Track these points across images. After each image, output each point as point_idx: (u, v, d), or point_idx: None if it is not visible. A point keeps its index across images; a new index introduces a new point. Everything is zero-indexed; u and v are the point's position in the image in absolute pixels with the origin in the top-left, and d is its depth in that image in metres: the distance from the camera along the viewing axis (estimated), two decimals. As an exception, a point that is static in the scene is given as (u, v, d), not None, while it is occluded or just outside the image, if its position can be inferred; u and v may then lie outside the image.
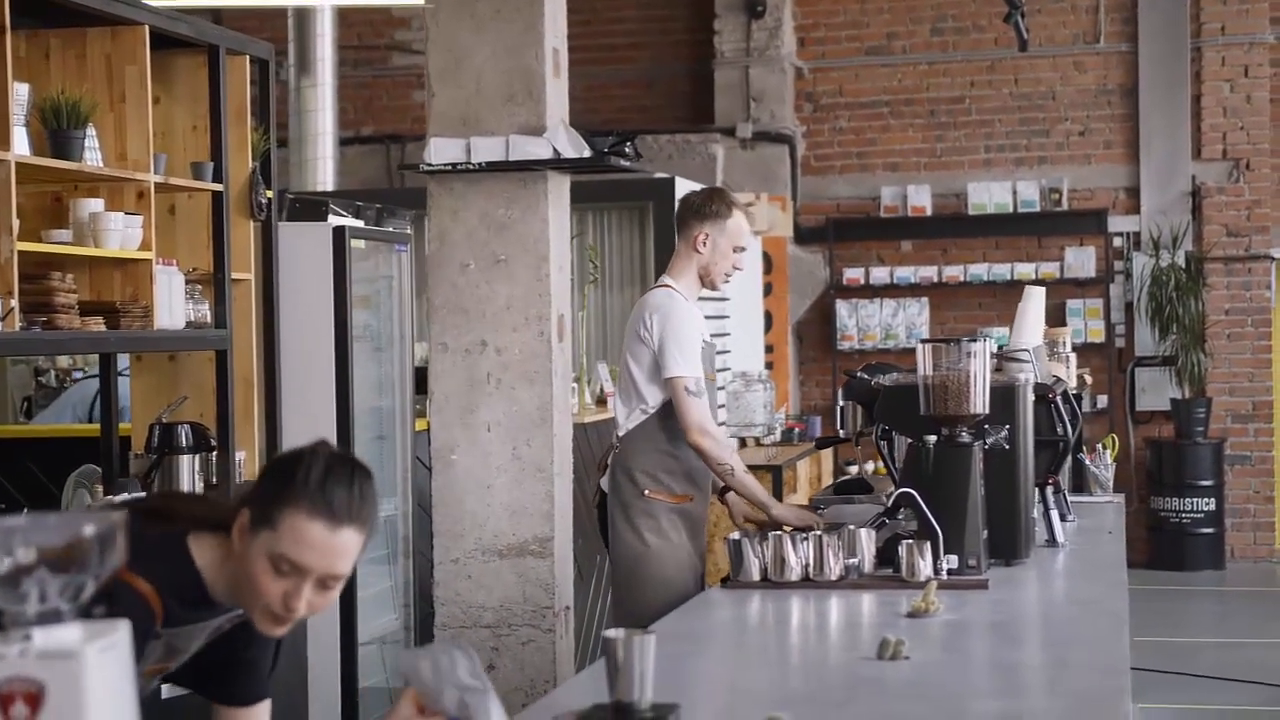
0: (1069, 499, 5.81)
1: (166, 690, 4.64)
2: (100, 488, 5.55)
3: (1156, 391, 12.91)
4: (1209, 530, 12.61)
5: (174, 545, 2.73)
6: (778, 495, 9.14)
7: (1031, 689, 3.27)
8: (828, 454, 11.60)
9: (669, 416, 5.33)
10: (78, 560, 1.78)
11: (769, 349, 12.65)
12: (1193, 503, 12.56)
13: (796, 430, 11.07)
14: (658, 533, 5.34)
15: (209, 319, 5.75)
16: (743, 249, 5.50)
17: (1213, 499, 12.59)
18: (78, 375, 9.34)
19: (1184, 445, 12.62)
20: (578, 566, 6.80)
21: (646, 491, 5.36)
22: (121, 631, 1.80)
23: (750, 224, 5.61)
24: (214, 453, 5.74)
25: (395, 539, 7.15)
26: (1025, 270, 12.91)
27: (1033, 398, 4.84)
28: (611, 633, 2.76)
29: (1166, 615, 10.98)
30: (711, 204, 5.48)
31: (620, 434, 5.45)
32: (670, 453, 5.35)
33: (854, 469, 12.37)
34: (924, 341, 4.55)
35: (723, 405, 10.21)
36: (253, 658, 2.96)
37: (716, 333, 10.55)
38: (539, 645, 5.80)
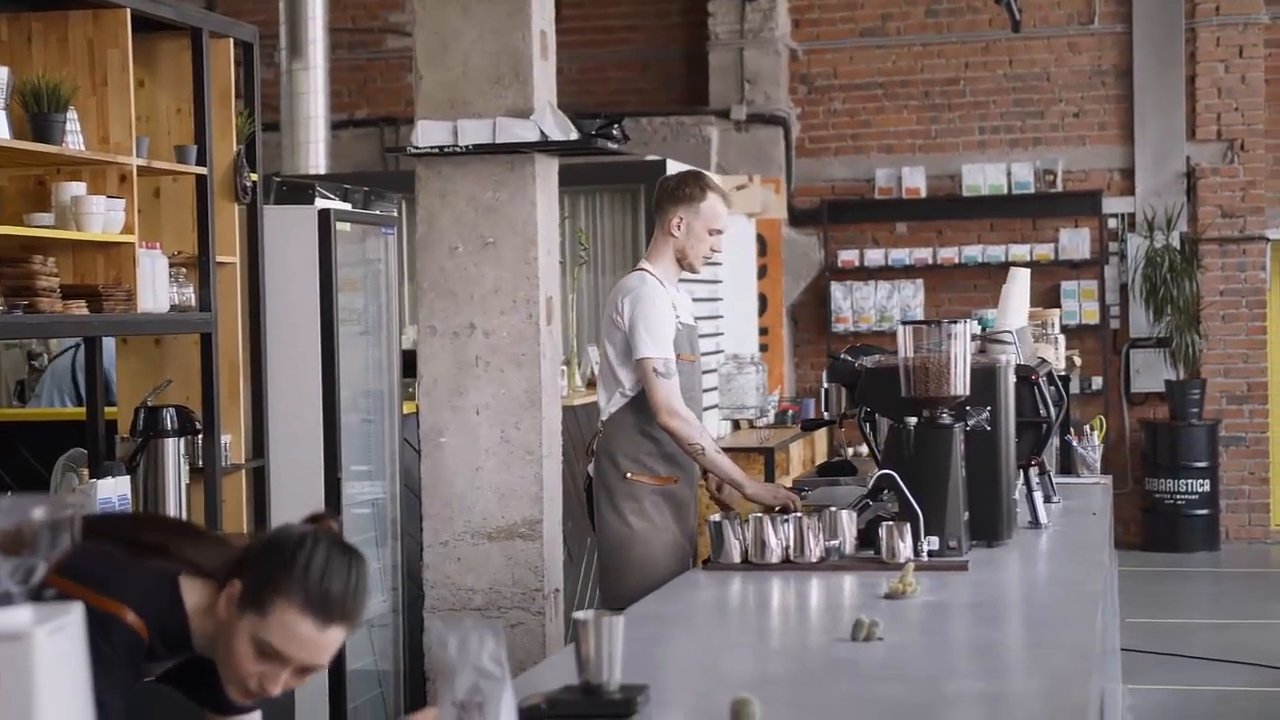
0: (1055, 481, 5.82)
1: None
2: (85, 470, 5.55)
3: (1151, 373, 12.90)
4: (1203, 512, 12.62)
5: (166, 584, 2.72)
6: (769, 478, 9.15)
7: (1002, 669, 3.27)
8: (821, 436, 11.61)
9: (647, 399, 5.35)
10: (28, 544, 1.78)
11: (764, 331, 12.65)
12: (1187, 484, 12.57)
13: (790, 413, 11.08)
14: (641, 515, 5.37)
15: (193, 302, 5.75)
16: (719, 231, 5.52)
17: (1207, 480, 12.59)
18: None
19: (1179, 427, 12.62)
20: (567, 549, 6.81)
21: (629, 474, 5.39)
22: (73, 614, 1.81)
23: (728, 206, 5.60)
24: (199, 436, 5.74)
25: (384, 522, 7.16)
26: (1020, 252, 12.90)
27: (1014, 379, 4.83)
28: (580, 615, 2.77)
29: (1160, 597, 11.00)
30: (685, 187, 5.51)
31: (603, 418, 5.49)
32: (651, 435, 5.37)
33: (849, 451, 12.38)
34: (905, 323, 4.56)
35: (714, 388, 10.23)
36: None
37: (710, 315, 10.57)
38: (528, 628, 5.80)
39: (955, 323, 4.51)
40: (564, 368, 7.68)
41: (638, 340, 5.31)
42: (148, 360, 5.95)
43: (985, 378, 4.64)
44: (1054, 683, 3.07)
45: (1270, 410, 13.05)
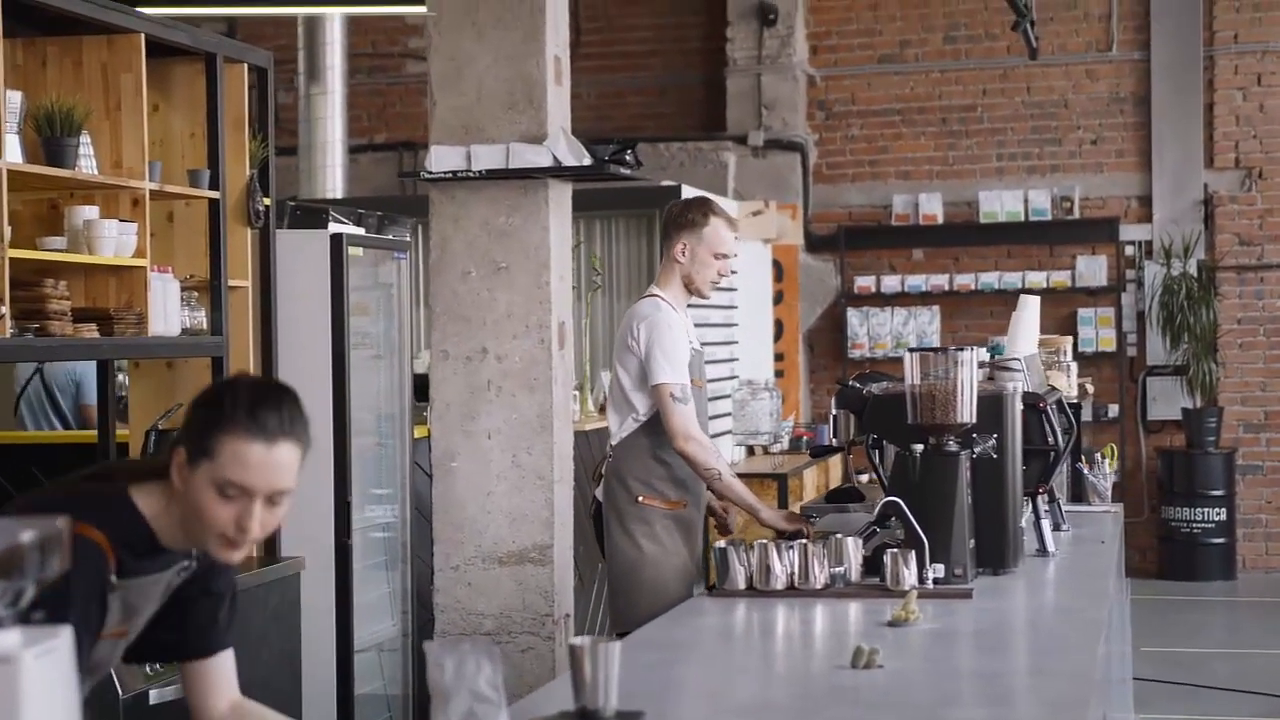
0: (1066, 509, 5.80)
1: (155, 696, 4.69)
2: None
3: (1168, 401, 12.87)
4: (1220, 540, 12.57)
5: (119, 498, 2.80)
6: (782, 504, 9.15)
7: (1001, 697, 3.27)
8: (836, 462, 11.59)
9: (660, 424, 5.38)
10: (17, 566, 1.79)
11: (780, 357, 12.65)
12: (1204, 512, 12.52)
13: (805, 439, 11.07)
14: (652, 539, 5.39)
15: (205, 326, 5.78)
16: (724, 256, 5.56)
17: (1224, 509, 12.55)
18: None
19: (1195, 455, 12.58)
20: (578, 574, 6.81)
21: (640, 499, 5.42)
22: (61, 637, 1.82)
23: (734, 230, 5.63)
24: (210, 459, 5.75)
25: (395, 545, 7.17)
26: (1037, 279, 12.89)
27: (1021, 407, 4.83)
28: (577, 640, 2.78)
29: (1176, 626, 10.95)
30: (688, 213, 5.56)
31: (613, 443, 5.53)
32: (662, 459, 5.40)
33: (864, 478, 12.34)
34: (912, 350, 4.56)
35: (727, 414, 10.23)
36: (209, 608, 3.03)
37: (724, 340, 10.58)
38: (539, 653, 5.80)
39: (962, 350, 4.51)
40: (576, 393, 7.69)
41: (655, 366, 5.35)
42: (159, 383, 5.98)
43: (992, 405, 4.63)
44: (1053, 711, 3.06)
45: (1288, 439, 13.02)
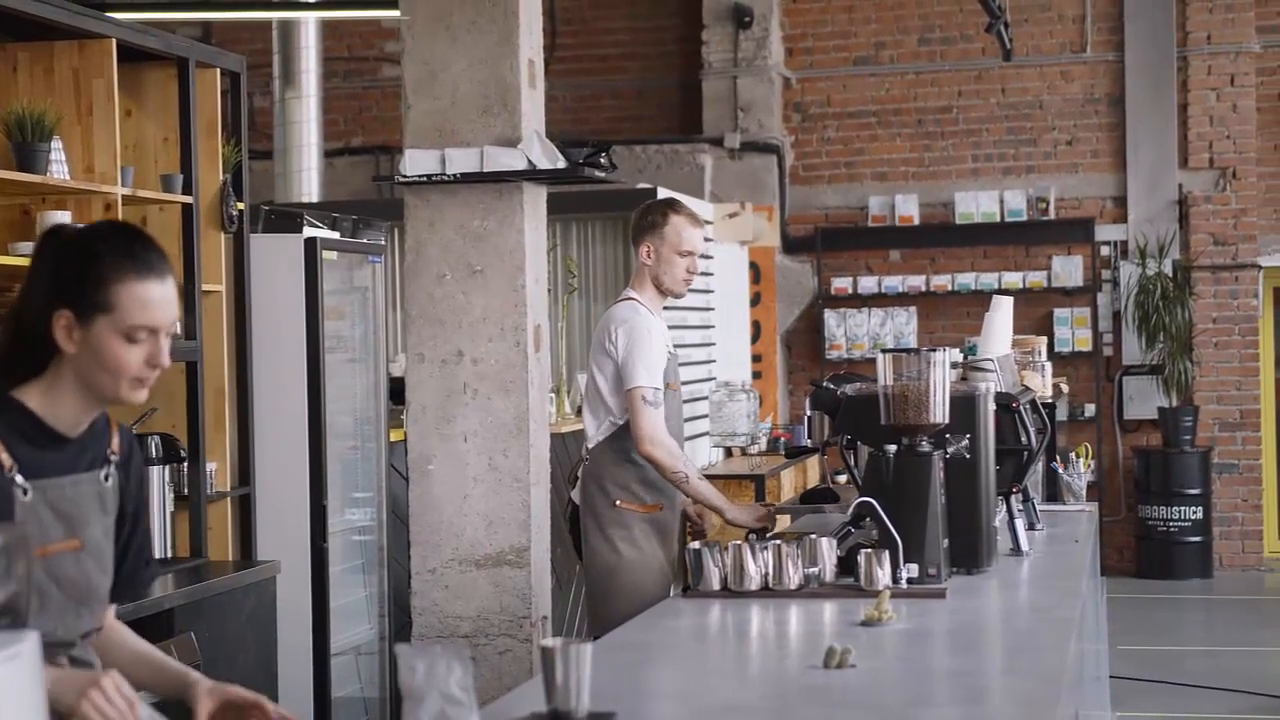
0: (1040, 508, 5.82)
1: (145, 693, 4.67)
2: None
3: (1144, 400, 12.92)
4: (1197, 539, 12.62)
5: (2, 403, 2.77)
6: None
7: (972, 696, 3.28)
8: (814, 463, 11.60)
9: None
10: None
11: (757, 358, 12.66)
12: (1180, 511, 12.57)
13: (783, 440, 11.07)
14: (630, 543, 5.41)
15: (179, 330, 5.77)
16: (689, 253, 5.58)
17: (1200, 507, 12.59)
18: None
19: (1171, 454, 12.62)
20: (555, 576, 6.81)
21: (618, 502, 5.46)
22: (28, 642, 1.82)
23: (698, 227, 5.65)
24: (184, 464, 5.75)
25: (371, 549, 7.16)
26: (1013, 279, 12.92)
27: (994, 407, 4.84)
28: (548, 642, 2.79)
29: (1153, 624, 10.99)
30: (647, 215, 5.63)
31: (590, 445, 5.55)
32: (638, 463, 5.42)
33: (843, 478, 12.36)
34: (885, 351, 4.57)
35: (705, 416, 10.24)
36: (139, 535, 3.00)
37: (701, 342, 10.59)
38: (516, 655, 5.80)
39: (934, 350, 4.52)
40: (553, 395, 7.70)
41: (631, 369, 5.38)
42: (134, 388, 5.96)
43: (965, 406, 4.65)
44: (1024, 709, 3.08)
45: (1263, 437, 13.06)
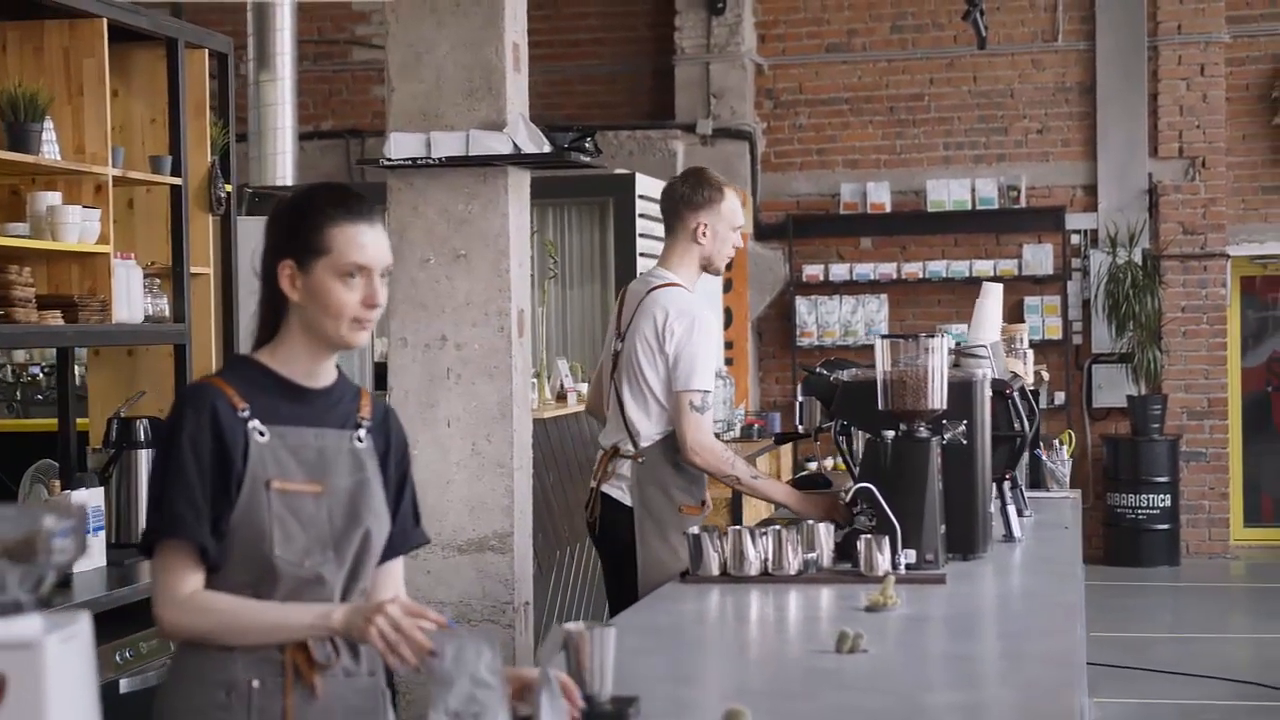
0: (1025, 495, 5.84)
1: (125, 684, 4.65)
2: (58, 482, 5.52)
3: (1113, 388, 12.98)
4: (1164, 526, 12.70)
5: (232, 358, 3.09)
6: (735, 495, 9.14)
7: (987, 681, 3.29)
8: (787, 450, 11.64)
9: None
10: (37, 551, 1.78)
11: (729, 345, 12.68)
12: (1148, 499, 12.65)
13: (757, 426, 11.10)
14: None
15: (168, 313, 5.73)
16: (739, 227, 5.32)
17: (1168, 495, 12.67)
18: (34, 370, 9.29)
19: (1140, 442, 12.70)
20: (537, 562, 6.80)
21: (683, 508, 5.14)
22: (82, 623, 1.80)
23: (739, 198, 5.36)
24: (172, 447, 5.71)
25: (354, 534, 7.13)
26: (984, 267, 12.97)
27: (990, 393, 4.86)
28: (572, 626, 2.78)
29: (1122, 610, 11.05)
30: (703, 190, 5.22)
31: (642, 444, 5.15)
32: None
33: (813, 465, 12.39)
34: (883, 337, 4.57)
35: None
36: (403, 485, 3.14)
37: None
38: (499, 641, 5.79)
39: (932, 336, 4.53)
40: (534, 381, 7.68)
41: (684, 370, 5.04)
42: (119, 371, 5.93)
43: (962, 391, 4.66)
44: (1039, 694, 3.08)
45: (1230, 426, 13.15)
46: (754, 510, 9.14)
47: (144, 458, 5.54)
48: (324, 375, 3.04)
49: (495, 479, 5.95)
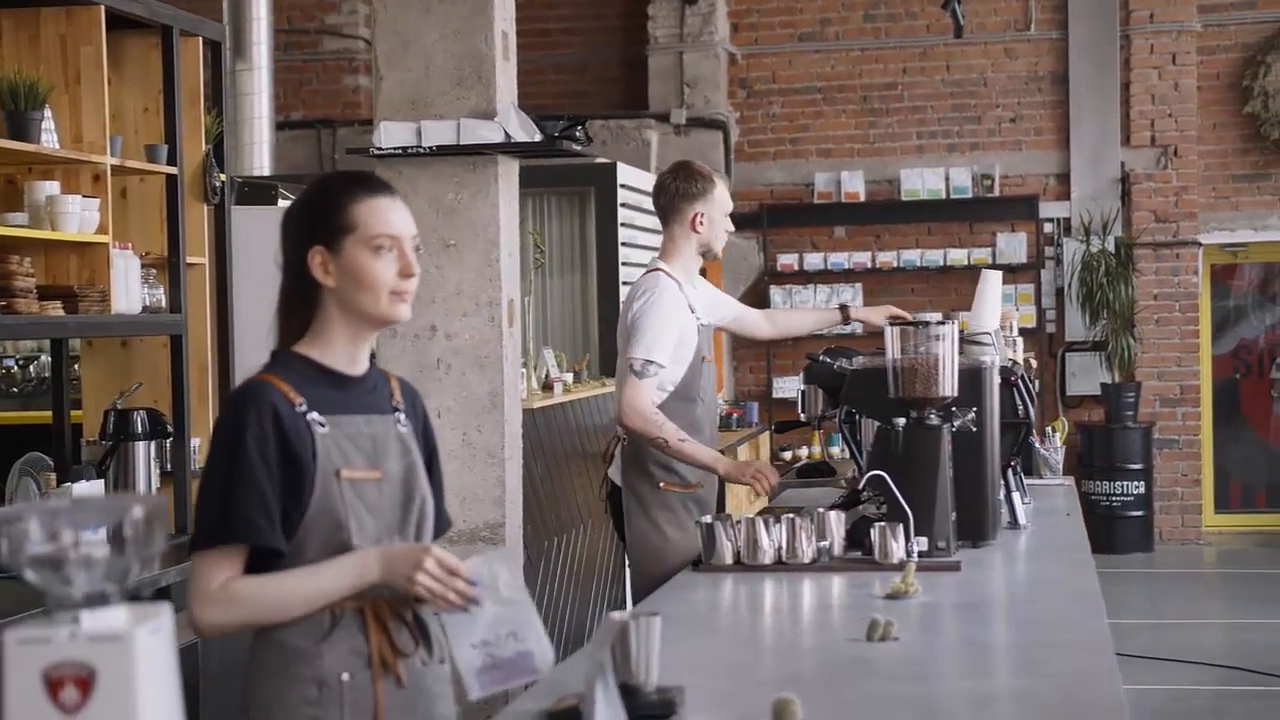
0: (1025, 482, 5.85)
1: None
2: (53, 475, 5.47)
3: (1087, 376, 13.03)
4: (1138, 513, 12.76)
5: (276, 353, 3.01)
6: (719, 487, 9.13)
7: (1022, 668, 3.28)
8: (764, 439, 11.64)
9: (676, 406, 5.25)
10: (125, 543, 1.76)
11: (703, 335, 12.64)
12: (1122, 486, 12.70)
13: (735, 416, 11.10)
14: (676, 525, 5.27)
15: (164, 303, 5.68)
16: (729, 211, 5.55)
17: (1142, 482, 12.73)
18: (9, 363, 9.21)
19: (1114, 429, 12.75)
20: (527, 553, 6.79)
21: (662, 484, 5.30)
22: (165, 614, 1.78)
23: (726, 184, 5.61)
24: (169, 439, 5.67)
25: (345, 525, 7.09)
26: (958, 256, 13.00)
27: (998, 380, 4.86)
28: (618, 615, 2.75)
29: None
30: (695, 182, 5.43)
31: (627, 425, 5.27)
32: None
33: (787, 454, 12.40)
34: (893, 324, 4.56)
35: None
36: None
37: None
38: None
39: (943, 323, 4.52)
40: (522, 371, 7.65)
41: (634, 338, 5.21)
42: (113, 362, 5.87)
43: (971, 378, 4.65)
44: (1078, 681, 3.08)
45: (1203, 413, 13.22)
46: (735, 498, 9.15)
47: (141, 450, 5.50)
48: (362, 361, 3.04)
49: (486, 469, 5.94)
